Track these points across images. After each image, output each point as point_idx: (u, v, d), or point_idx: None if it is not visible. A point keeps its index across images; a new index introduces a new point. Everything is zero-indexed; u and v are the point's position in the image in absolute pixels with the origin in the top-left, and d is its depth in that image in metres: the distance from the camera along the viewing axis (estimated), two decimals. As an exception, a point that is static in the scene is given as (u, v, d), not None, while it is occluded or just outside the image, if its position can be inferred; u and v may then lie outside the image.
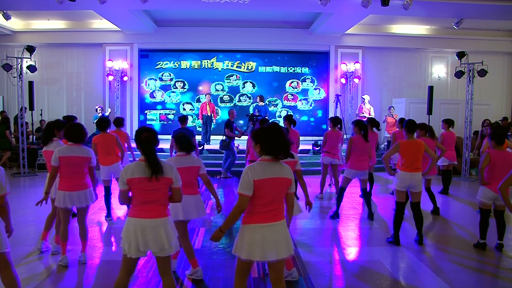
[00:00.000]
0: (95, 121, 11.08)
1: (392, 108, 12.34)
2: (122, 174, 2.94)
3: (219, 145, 9.81)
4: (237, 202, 2.76)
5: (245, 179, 2.74)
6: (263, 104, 12.07)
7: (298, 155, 7.66)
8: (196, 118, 13.89)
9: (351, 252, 5.00)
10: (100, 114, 12.02)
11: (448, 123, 8.16)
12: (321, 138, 8.27)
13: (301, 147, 8.43)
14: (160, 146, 4.27)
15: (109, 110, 13.43)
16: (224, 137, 9.63)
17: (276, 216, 2.84)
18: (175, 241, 3.06)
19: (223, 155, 9.99)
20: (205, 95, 12.66)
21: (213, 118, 12.35)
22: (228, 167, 9.78)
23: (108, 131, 6.06)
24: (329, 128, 7.74)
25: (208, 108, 12.08)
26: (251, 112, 12.33)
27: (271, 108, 14.20)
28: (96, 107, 12.51)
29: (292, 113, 11.60)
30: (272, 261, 2.82)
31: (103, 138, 5.95)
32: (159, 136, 3.18)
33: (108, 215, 6.10)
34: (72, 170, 4.19)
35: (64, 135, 4.41)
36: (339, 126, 7.85)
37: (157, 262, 3.07)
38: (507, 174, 4.26)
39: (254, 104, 13.28)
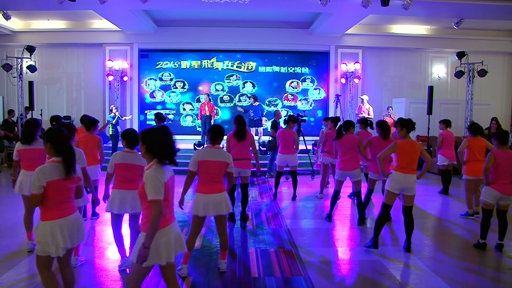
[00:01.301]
0: (112, 121, 11.02)
1: (390, 108, 12.32)
2: (40, 178, 2.88)
3: (266, 145, 9.56)
4: (153, 211, 2.58)
5: (157, 184, 2.60)
6: (258, 104, 12.02)
7: (298, 155, 7.67)
8: (196, 118, 13.90)
9: (351, 252, 4.98)
10: (117, 115, 11.29)
11: (446, 123, 8.18)
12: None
13: (301, 147, 8.40)
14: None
15: (130, 116, 13.34)
16: (271, 138, 9.46)
17: (173, 215, 2.87)
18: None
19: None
20: (204, 95, 12.67)
21: (212, 118, 12.35)
22: (271, 167, 9.63)
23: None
24: (329, 128, 7.65)
25: (206, 108, 12.08)
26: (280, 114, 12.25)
27: (271, 108, 14.21)
28: (111, 106, 11.81)
29: (292, 113, 11.61)
30: (170, 262, 2.76)
31: (86, 138, 5.87)
32: None
33: (93, 214, 6.18)
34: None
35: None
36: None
37: (67, 253, 3.09)
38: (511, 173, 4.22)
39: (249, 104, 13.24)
